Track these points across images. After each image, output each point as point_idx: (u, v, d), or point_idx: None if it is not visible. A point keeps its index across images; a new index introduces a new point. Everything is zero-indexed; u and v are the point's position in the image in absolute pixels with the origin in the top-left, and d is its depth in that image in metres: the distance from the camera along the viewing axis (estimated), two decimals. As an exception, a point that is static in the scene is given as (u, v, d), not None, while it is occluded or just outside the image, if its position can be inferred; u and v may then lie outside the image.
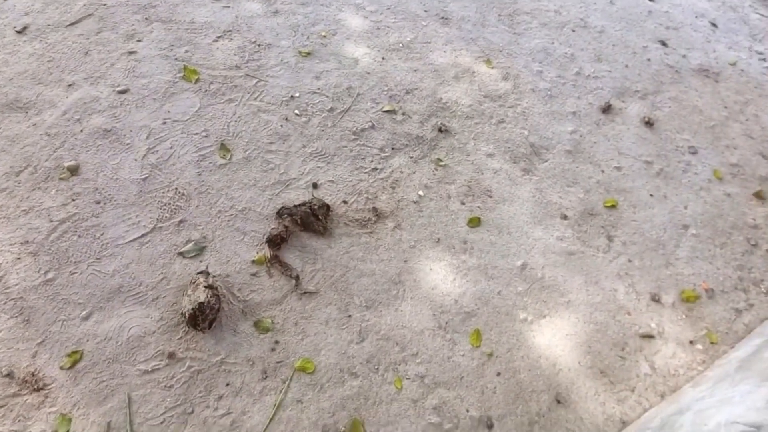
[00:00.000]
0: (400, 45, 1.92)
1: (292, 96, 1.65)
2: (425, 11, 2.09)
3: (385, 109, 1.70)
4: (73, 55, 1.60)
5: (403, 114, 1.71)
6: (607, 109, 1.90)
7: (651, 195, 1.66)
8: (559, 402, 1.21)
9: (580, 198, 1.60)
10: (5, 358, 1.08)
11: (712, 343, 1.36)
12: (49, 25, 1.68)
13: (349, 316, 1.25)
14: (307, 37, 1.84)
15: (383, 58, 1.86)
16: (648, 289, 1.44)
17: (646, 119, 1.89)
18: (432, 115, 1.73)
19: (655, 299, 1.42)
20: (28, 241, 1.22)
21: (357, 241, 1.38)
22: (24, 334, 1.11)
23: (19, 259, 1.20)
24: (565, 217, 1.55)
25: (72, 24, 1.69)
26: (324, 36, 1.86)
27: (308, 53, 1.79)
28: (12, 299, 1.15)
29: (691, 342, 1.35)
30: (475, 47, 1.99)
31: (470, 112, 1.76)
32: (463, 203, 1.52)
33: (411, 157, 1.60)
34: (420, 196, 1.52)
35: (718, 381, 1.11)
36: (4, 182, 1.31)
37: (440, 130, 1.69)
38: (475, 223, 1.48)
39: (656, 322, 1.38)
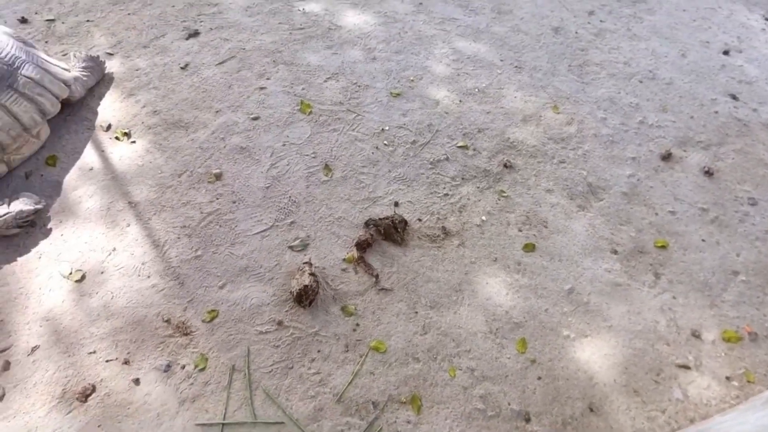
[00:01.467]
0: (476, 90, 2.22)
1: (382, 129, 2.00)
2: (501, 60, 2.37)
3: (459, 144, 1.99)
4: (219, 87, 2.09)
5: (474, 150, 1.99)
6: (667, 157, 2.04)
7: (703, 240, 1.77)
8: (592, 410, 1.39)
9: (631, 236, 1.77)
10: (165, 308, 1.49)
11: (748, 381, 1.45)
12: (203, 63, 2.19)
13: (416, 312, 1.53)
14: (398, 81, 2.20)
15: (460, 101, 2.16)
16: (689, 325, 1.56)
17: (707, 169, 2.00)
18: (499, 152, 1.99)
19: (696, 335, 1.54)
20: (185, 226, 1.65)
21: (427, 253, 1.66)
22: (179, 293, 1.52)
23: (178, 238, 1.62)
24: (614, 252, 1.72)
25: (220, 63, 2.18)
26: (412, 80, 2.21)
27: (398, 94, 2.15)
28: (172, 267, 1.57)
29: (727, 378, 1.46)
30: (544, 94, 2.23)
31: (534, 152, 2.00)
32: (521, 230, 1.75)
33: (478, 187, 1.87)
34: (483, 220, 1.77)
35: (744, 411, 1.23)
36: (170, 181, 1.76)
37: (505, 166, 1.95)
38: (529, 248, 1.71)
39: (694, 355, 1.50)
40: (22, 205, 1.57)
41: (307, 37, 2.35)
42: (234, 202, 1.72)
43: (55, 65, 1.85)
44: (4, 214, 1.53)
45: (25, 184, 1.72)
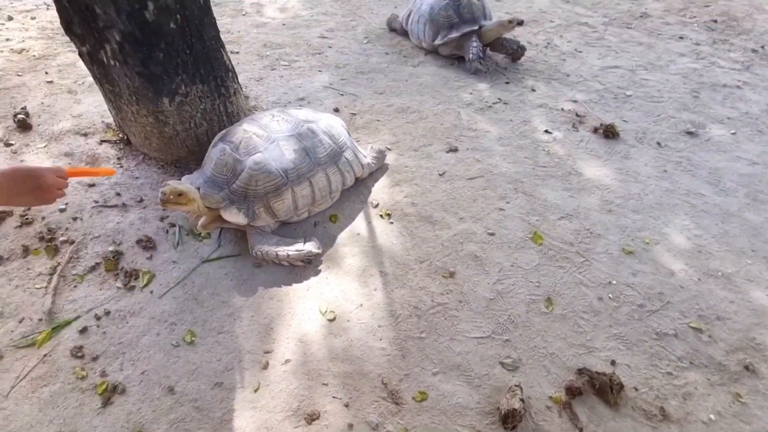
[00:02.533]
0: (720, 273, 2.11)
1: (609, 282, 2.05)
2: (753, 251, 2.22)
3: (691, 324, 1.90)
4: (466, 199, 2.46)
5: (710, 336, 1.86)
6: None
7: None
8: None
9: None
10: (386, 373, 1.72)
11: None
12: (457, 175, 2.62)
13: (618, 489, 1.44)
14: (632, 239, 2.26)
15: (699, 279, 2.08)
16: None
17: None
18: (740, 350, 1.82)
19: None
20: (416, 307, 1.93)
21: (639, 428, 1.58)
22: (400, 364, 1.75)
23: (410, 316, 1.90)
24: None
25: (470, 178, 2.59)
26: (647, 242, 2.24)
27: (630, 252, 2.19)
28: (400, 339, 1.83)
29: None
30: (807, 304, 1.99)
31: (788, 366, 1.77)
32: (761, 452, 1.53)
33: (708, 379, 1.73)
34: (711, 419, 1.61)
35: None
36: (413, 264, 2.10)
37: (746, 368, 1.76)
38: (770, 478, 1.47)
39: None
40: (311, 246, 2.07)
41: (547, 175, 2.62)
42: (460, 302, 1.95)
43: (360, 152, 2.47)
44: (300, 250, 2.04)
45: (312, 230, 2.27)
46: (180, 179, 2.35)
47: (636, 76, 3.62)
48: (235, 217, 2.00)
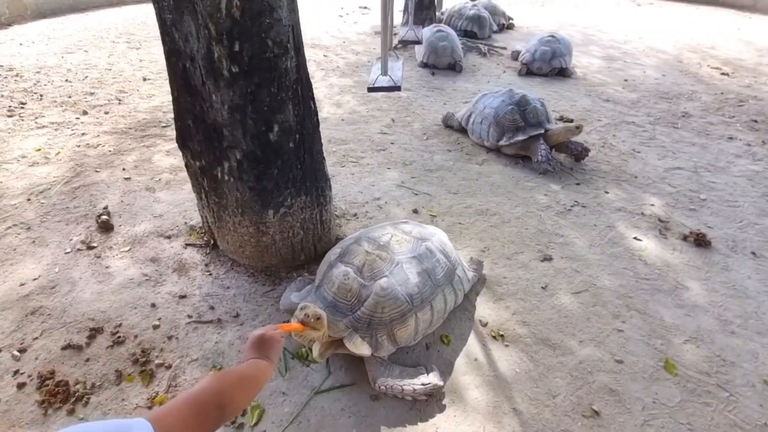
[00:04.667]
0: None
1: (765, 423, 1.87)
2: None
3: None
4: (578, 317, 2.34)
5: None
6: None
7: None
8: None
9: None
10: None
11: None
12: (560, 288, 2.52)
13: None
14: (770, 368, 2.11)
15: None
16: None
17: None
18: None
19: None
20: (565, 456, 1.73)
21: None
22: None
23: (560, 468, 1.70)
24: None
25: (575, 293, 2.49)
26: (788, 374, 2.09)
27: (774, 385, 2.03)
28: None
29: None
30: None
31: None
32: None
33: None
34: None
35: None
36: (546, 400, 1.93)
37: None
38: None
39: None
40: (435, 378, 1.91)
41: (654, 290, 2.53)
42: (611, 449, 1.76)
43: (465, 266, 2.39)
44: (425, 383, 1.87)
45: (426, 354, 2.12)
46: (289, 293, 2.25)
47: (702, 179, 3.67)
48: (359, 347, 1.86)
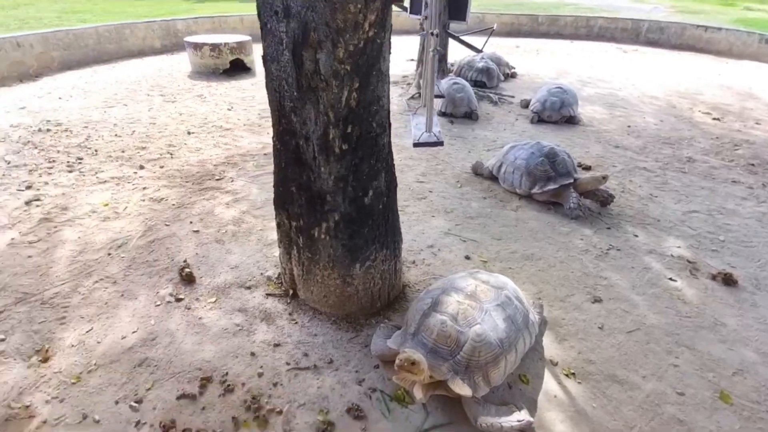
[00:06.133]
0: None
1: (818, 447, 2.13)
2: None
3: None
4: (636, 355, 2.61)
5: None
6: None
7: None
8: None
9: None
10: None
11: None
12: (615, 328, 2.80)
13: None
14: (812, 397, 2.38)
15: None
16: None
17: None
18: None
19: None
20: (652, 483, 1.96)
21: None
22: None
23: (651, 493, 1.92)
24: None
25: (629, 332, 2.77)
26: (828, 401, 2.37)
27: (818, 412, 2.30)
28: None
29: None
30: None
31: None
32: None
33: None
34: None
35: None
36: (626, 431, 2.17)
37: None
38: None
39: None
40: (526, 415, 2.14)
41: (696, 326, 2.82)
42: (693, 476, 1.99)
43: (531, 311, 2.67)
44: (521, 420, 2.11)
45: (509, 392, 2.36)
46: (379, 339, 2.48)
47: (717, 221, 4.06)
48: (461, 389, 2.10)
